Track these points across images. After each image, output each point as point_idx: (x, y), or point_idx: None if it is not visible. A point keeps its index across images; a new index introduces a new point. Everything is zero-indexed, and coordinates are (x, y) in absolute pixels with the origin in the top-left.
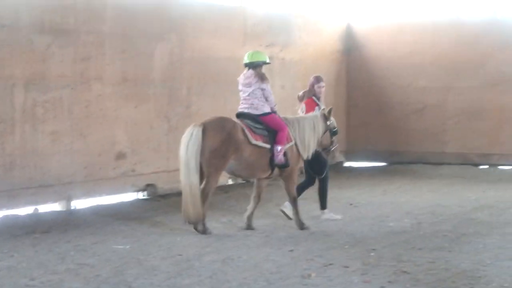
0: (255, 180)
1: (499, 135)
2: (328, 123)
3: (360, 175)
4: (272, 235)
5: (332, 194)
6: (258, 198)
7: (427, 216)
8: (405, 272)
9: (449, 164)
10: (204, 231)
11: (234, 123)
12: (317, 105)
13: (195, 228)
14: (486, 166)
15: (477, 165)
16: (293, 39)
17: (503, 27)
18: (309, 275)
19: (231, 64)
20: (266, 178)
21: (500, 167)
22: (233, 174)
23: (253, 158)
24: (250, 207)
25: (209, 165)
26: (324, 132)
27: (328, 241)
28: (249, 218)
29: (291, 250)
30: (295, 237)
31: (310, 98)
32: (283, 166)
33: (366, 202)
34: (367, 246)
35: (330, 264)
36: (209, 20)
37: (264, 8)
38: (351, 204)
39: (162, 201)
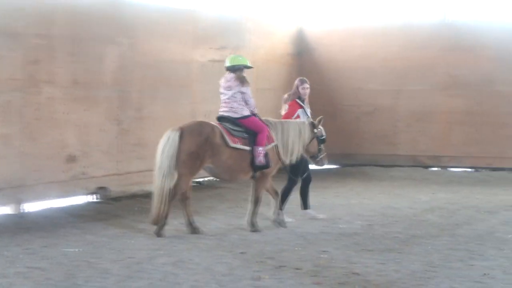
0: (252, 183)
1: (449, 137)
2: (316, 131)
3: (312, 177)
4: (224, 238)
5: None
6: (276, 193)
7: (378, 218)
8: (355, 273)
9: (400, 166)
10: (160, 234)
11: (212, 127)
12: (301, 107)
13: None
14: (436, 168)
15: (427, 167)
16: (244, 42)
17: (452, 31)
18: (261, 278)
19: (183, 67)
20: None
21: (450, 169)
22: (215, 176)
23: (232, 161)
24: (272, 203)
25: (183, 167)
26: (311, 140)
27: (279, 243)
28: (277, 212)
29: (243, 253)
30: (246, 239)
31: (294, 100)
32: (264, 167)
33: (318, 204)
34: (319, 248)
35: (282, 266)
36: (160, 23)
37: (216, 11)
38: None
39: (113, 204)
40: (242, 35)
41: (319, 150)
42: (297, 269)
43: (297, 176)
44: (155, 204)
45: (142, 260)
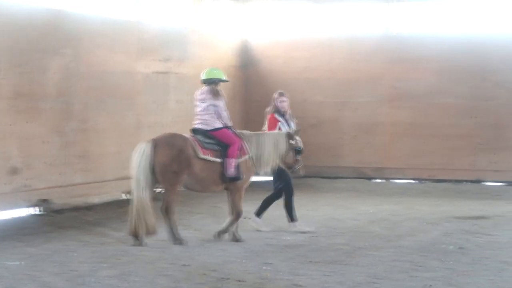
0: (227, 196)
1: (392, 149)
2: (293, 142)
3: (256, 189)
4: (167, 250)
5: (228, 208)
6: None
7: (323, 230)
8: (300, 285)
9: (344, 178)
10: (180, 242)
11: (185, 139)
12: (279, 121)
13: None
14: (380, 180)
15: (371, 178)
16: (189, 54)
17: (396, 43)
18: None
19: (127, 78)
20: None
21: (393, 180)
22: (188, 188)
23: (204, 173)
24: (226, 221)
25: (163, 181)
26: (288, 151)
27: (223, 255)
28: (233, 233)
29: (186, 265)
30: (189, 251)
31: (272, 114)
32: (235, 179)
33: (262, 216)
34: (264, 260)
35: (225, 279)
36: (104, 35)
37: (160, 23)
38: (245, 218)
39: (56, 216)
40: (186, 46)
41: (296, 161)
42: (241, 281)
43: (289, 187)
44: (134, 216)
45: (85, 273)
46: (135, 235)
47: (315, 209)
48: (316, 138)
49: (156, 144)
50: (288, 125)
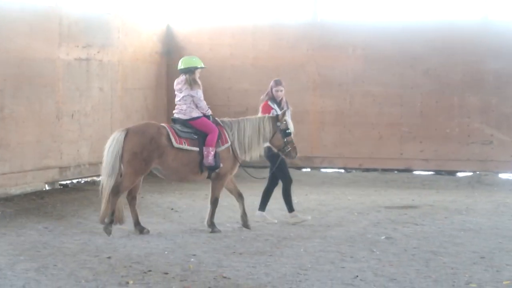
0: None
1: (320, 138)
2: (279, 124)
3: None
4: (89, 242)
5: (152, 199)
6: (238, 194)
7: (249, 220)
8: (225, 277)
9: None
10: (108, 229)
11: (159, 127)
12: (273, 108)
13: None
14: (309, 169)
15: (300, 168)
16: (112, 40)
17: (321, 30)
18: (127, 283)
19: (47, 65)
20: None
21: (322, 170)
22: (166, 178)
23: (178, 162)
24: (239, 207)
25: (127, 166)
26: (274, 134)
27: (147, 247)
28: (243, 217)
29: (109, 257)
30: (112, 243)
31: (265, 102)
32: (213, 168)
33: (187, 207)
34: (188, 251)
35: (149, 271)
36: (23, 21)
37: (81, 8)
38: (172, 209)
39: None
40: (109, 33)
41: (285, 143)
42: (165, 273)
43: (286, 177)
44: (103, 204)
45: (2, 266)
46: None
47: None
48: None
49: (128, 132)
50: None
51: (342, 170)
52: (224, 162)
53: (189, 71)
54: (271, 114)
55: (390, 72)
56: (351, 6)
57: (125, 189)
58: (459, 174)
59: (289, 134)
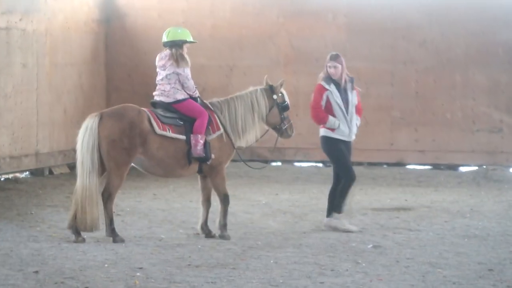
0: (199, 181)
1: (295, 124)
2: (275, 97)
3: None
4: (11, 253)
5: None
6: (208, 202)
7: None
8: None
9: (235, 160)
10: (115, 239)
11: (139, 110)
12: (327, 90)
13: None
14: (280, 163)
15: (268, 161)
16: (38, 5)
17: None
18: None
19: None
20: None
21: (295, 163)
22: (148, 171)
23: (163, 152)
24: (202, 215)
25: (108, 159)
26: (271, 109)
27: (83, 259)
28: (203, 227)
29: (36, 271)
30: (41, 254)
31: (318, 84)
32: (203, 160)
33: (131, 209)
34: (132, 264)
35: None
36: None
37: None
38: (113, 212)
39: None
40: None
41: (282, 119)
42: None
43: (348, 172)
44: (78, 207)
45: None
46: (77, 230)
47: (197, 200)
48: None
49: (102, 116)
50: (345, 95)
51: (320, 164)
52: (217, 152)
53: (176, 44)
54: (324, 99)
55: (378, 44)
56: None
57: (116, 189)
58: (462, 169)
59: (287, 108)
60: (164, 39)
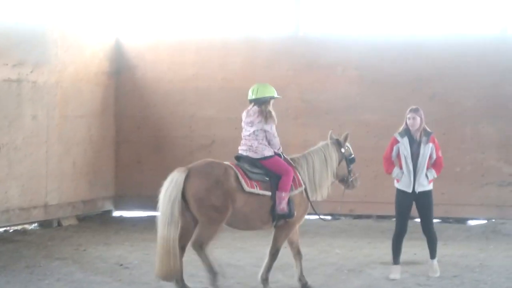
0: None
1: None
2: (343, 150)
3: (132, 227)
4: None
5: (96, 252)
6: (299, 254)
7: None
8: None
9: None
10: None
11: (225, 168)
12: (398, 142)
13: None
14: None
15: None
16: (48, 57)
17: (305, 46)
18: None
19: None
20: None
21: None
22: (228, 225)
23: (248, 208)
24: (296, 267)
25: (199, 215)
26: (340, 162)
27: None
28: (300, 279)
29: None
30: None
31: (393, 137)
32: (286, 216)
33: (140, 262)
34: None
35: None
36: None
37: (11, 19)
38: (121, 265)
39: None
40: (46, 48)
41: (349, 172)
42: None
43: (399, 223)
44: (161, 257)
45: None
46: (168, 279)
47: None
48: None
49: (189, 172)
50: (417, 148)
51: (329, 217)
52: (297, 208)
53: (264, 101)
54: (395, 150)
55: (388, 97)
56: (341, 17)
57: (208, 240)
58: (471, 222)
59: (354, 160)
60: (252, 96)
